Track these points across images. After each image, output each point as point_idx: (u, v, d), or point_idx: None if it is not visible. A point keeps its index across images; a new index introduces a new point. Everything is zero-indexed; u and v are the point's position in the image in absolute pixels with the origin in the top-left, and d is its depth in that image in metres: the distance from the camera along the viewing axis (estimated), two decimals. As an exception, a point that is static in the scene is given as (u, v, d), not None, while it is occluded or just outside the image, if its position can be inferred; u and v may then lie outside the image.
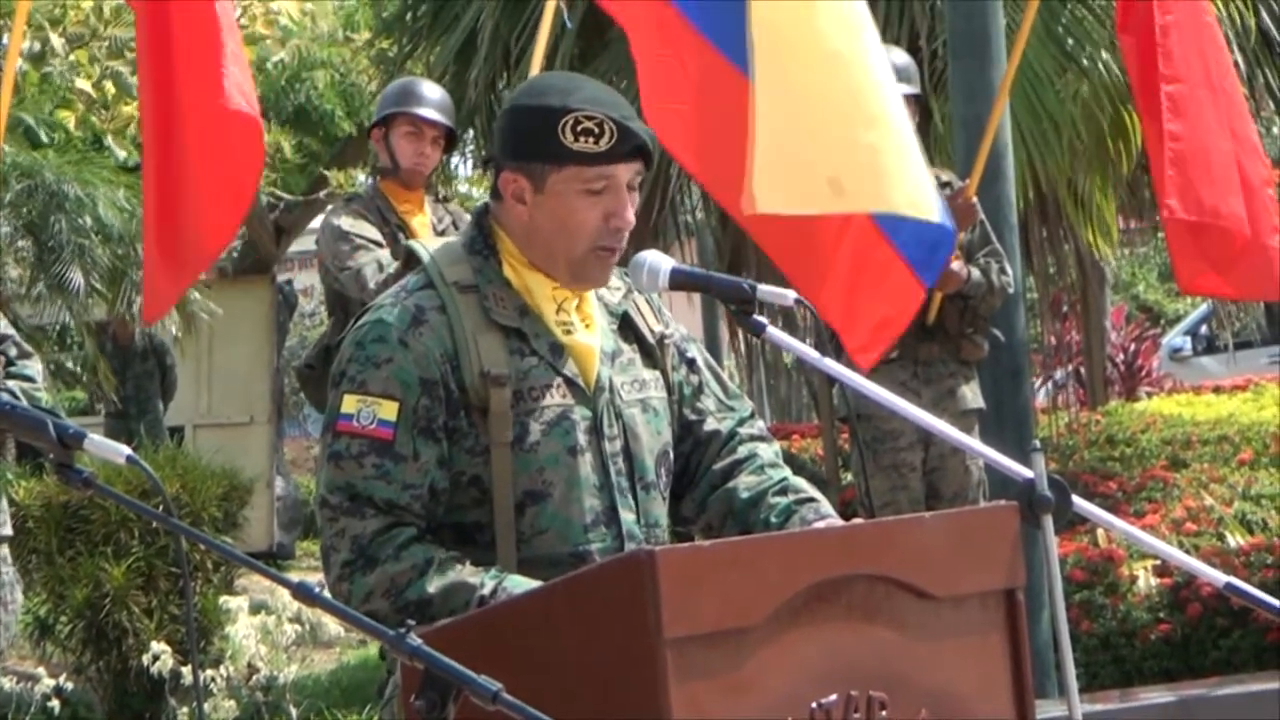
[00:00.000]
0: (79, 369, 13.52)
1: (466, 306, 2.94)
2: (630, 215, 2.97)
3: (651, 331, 3.10)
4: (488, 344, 2.92)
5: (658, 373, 3.08)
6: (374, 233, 5.78)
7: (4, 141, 5.86)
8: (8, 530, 5.93)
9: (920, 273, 5.50)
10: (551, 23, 5.93)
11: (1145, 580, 7.54)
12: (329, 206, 6.72)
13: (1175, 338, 20.40)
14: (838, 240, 5.37)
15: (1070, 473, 8.84)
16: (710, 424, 3.12)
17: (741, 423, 3.15)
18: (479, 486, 2.91)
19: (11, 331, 5.90)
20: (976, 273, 6.48)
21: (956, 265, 6.41)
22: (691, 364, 3.14)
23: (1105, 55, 8.70)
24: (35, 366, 5.86)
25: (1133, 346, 16.65)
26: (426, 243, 3.10)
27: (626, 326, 3.08)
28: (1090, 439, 10.18)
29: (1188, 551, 7.20)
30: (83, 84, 10.43)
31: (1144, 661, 7.42)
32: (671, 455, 3.07)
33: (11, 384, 5.68)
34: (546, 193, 2.94)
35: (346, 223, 5.78)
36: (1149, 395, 14.71)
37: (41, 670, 8.80)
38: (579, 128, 2.89)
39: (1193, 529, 7.90)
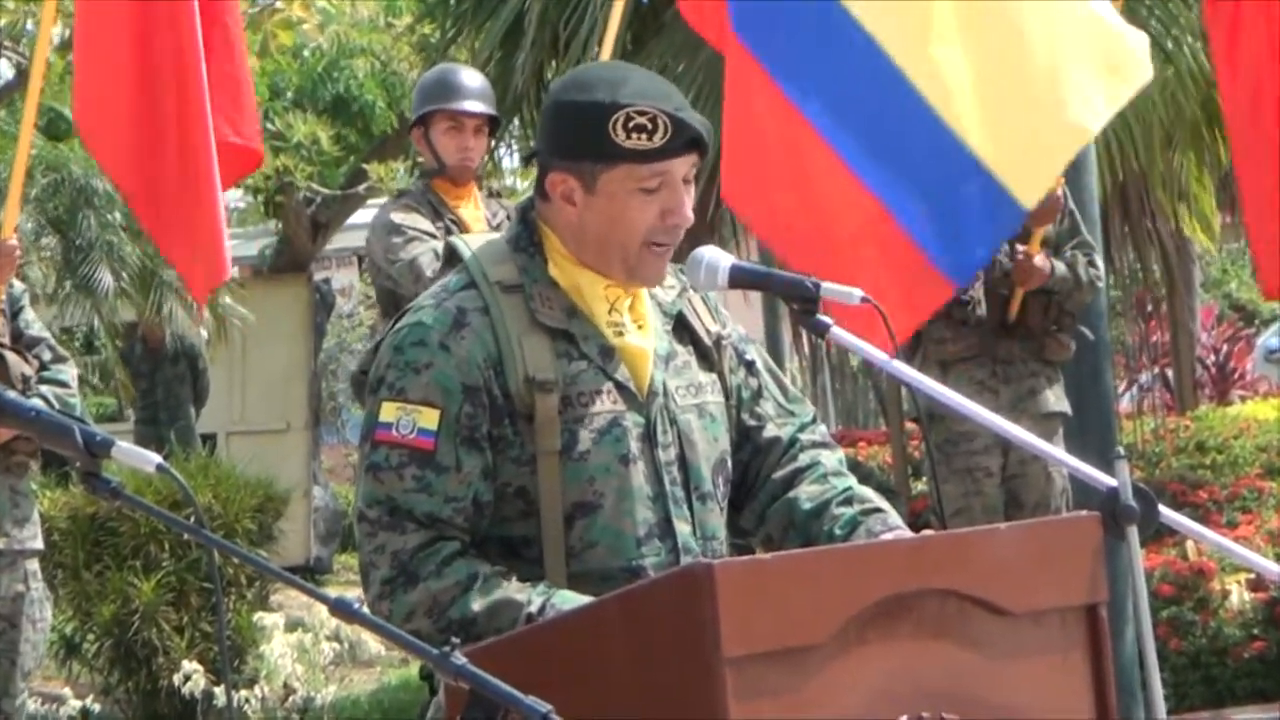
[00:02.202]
0: (95, 375, 13.60)
1: (511, 308, 2.93)
2: (688, 211, 2.96)
3: (708, 332, 3.08)
4: (533, 347, 2.91)
5: (714, 376, 3.07)
6: (427, 225, 5.84)
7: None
8: (38, 544, 5.97)
9: (947, 270, 5.51)
10: (634, 5, 5.96)
11: (1238, 595, 7.50)
12: (383, 202, 6.77)
13: (1271, 338, 20.27)
14: (845, 225, 5.42)
15: (1157, 481, 8.81)
16: (770, 430, 3.10)
17: (803, 428, 3.13)
18: (525, 498, 2.91)
19: (46, 335, 5.98)
20: (1062, 266, 6.47)
21: (1040, 259, 6.40)
22: (750, 366, 3.12)
23: (1191, 40, 8.65)
24: (69, 371, 5.93)
25: (1225, 347, 16.58)
26: (469, 239, 3.08)
27: (681, 327, 3.06)
28: (1178, 445, 10.14)
29: (1283, 565, 7.14)
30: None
31: (1236, 681, 7.38)
32: (729, 463, 3.06)
33: (44, 389, 5.74)
34: (598, 193, 2.92)
35: (398, 216, 5.86)
36: (1242, 399, 14.64)
37: (67, 691, 8.87)
38: (631, 124, 2.87)
39: (1289, 541, 7.86)
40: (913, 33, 5.19)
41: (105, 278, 10.86)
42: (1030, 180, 5.25)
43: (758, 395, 3.12)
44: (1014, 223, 5.46)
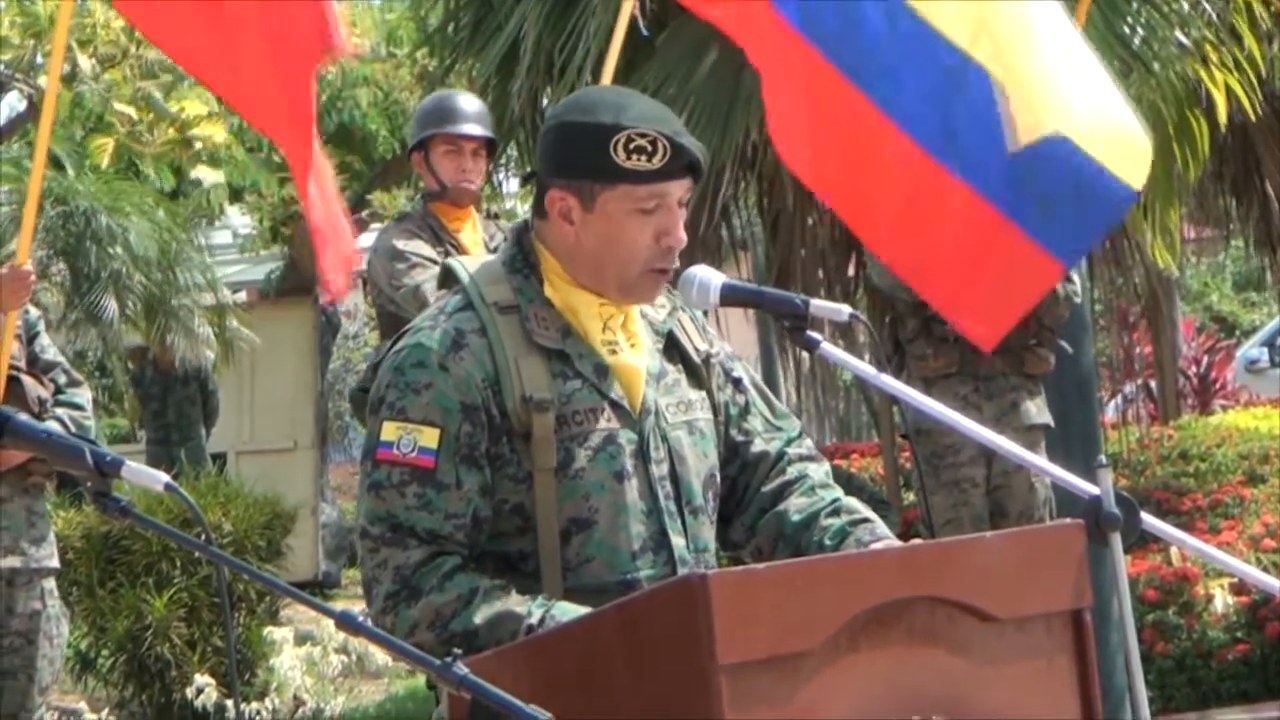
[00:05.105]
0: (105, 398, 13.64)
1: (507, 328, 2.93)
2: (682, 233, 2.97)
3: (696, 350, 3.09)
4: (529, 367, 2.91)
5: (703, 393, 3.07)
6: (429, 250, 5.84)
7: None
8: (54, 563, 5.98)
9: (1053, 249, 5.31)
10: (627, 30, 5.93)
11: (1221, 599, 7.50)
12: (383, 226, 6.75)
13: (1251, 349, 20.27)
14: (944, 226, 5.25)
15: (1142, 489, 8.81)
16: (758, 445, 3.11)
17: (790, 442, 3.13)
18: (522, 514, 2.90)
19: (61, 359, 5.99)
20: (1039, 282, 6.46)
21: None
22: (737, 383, 3.12)
23: (1175, 53, 8.63)
24: (84, 394, 5.94)
25: (1206, 358, 16.58)
26: (465, 260, 3.09)
27: (671, 346, 3.07)
28: (1162, 454, 10.13)
29: (1266, 569, 7.16)
30: (122, 106, 10.49)
31: (1221, 683, 7.38)
32: (718, 478, 3.07)
33: (60, 412, 5.76)
34: (596, 212, 2.94)
35: (401, 242, 5.86)
36: (1224, 408, 14.64)
37: (83, 705, 8.87)
38: (631, 145, 2.89)
39: (1271, 545, 7.86)
40: (972, 26, 5.07)
41: (111, 305, 10.89)
42: (1130, 162, 5.07)
43: (745, 411, 3.12)
44: (1124, 202, 5.23)
